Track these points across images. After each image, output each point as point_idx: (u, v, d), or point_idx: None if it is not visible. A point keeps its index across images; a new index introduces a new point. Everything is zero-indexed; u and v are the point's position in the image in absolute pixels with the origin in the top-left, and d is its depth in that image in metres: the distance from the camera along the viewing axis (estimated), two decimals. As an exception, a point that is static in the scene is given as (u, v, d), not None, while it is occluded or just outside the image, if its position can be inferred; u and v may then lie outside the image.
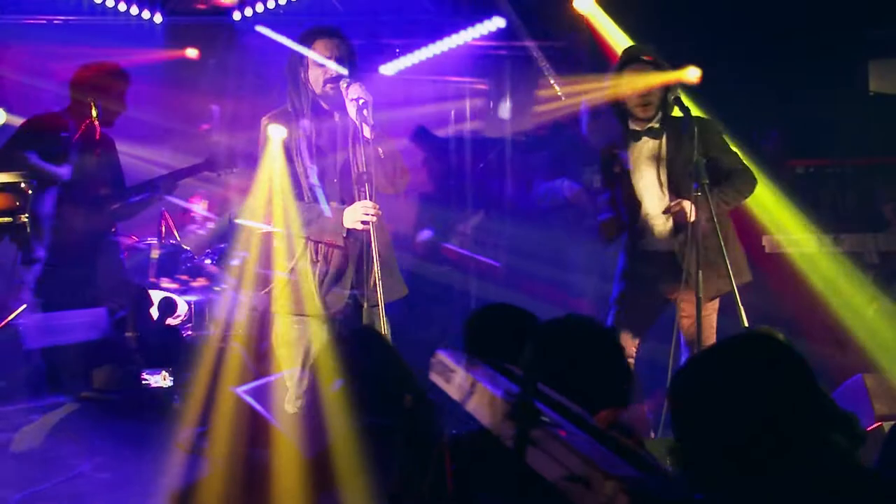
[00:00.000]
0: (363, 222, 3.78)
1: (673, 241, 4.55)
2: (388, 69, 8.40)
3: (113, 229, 5.39)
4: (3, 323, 4.82)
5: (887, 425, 4.10)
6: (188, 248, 6.78)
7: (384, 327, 3.61)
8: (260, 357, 3.59)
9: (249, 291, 4.01)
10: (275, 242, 4.06)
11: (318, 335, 3.98)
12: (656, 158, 4.54)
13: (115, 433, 3.72)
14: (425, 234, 6.78)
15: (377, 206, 3.80)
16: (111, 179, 5.30)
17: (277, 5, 7.91)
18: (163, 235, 6.80)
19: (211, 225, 7.46)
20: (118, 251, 5.51)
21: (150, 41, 7.83)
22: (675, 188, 4.49)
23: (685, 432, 1.89)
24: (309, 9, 7.96)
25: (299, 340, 3.97)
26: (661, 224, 4.58)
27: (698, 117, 4.55)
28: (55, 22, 7.66)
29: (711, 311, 4.54)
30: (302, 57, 3.99)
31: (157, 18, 7.79)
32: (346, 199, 3.96)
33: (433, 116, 7.86)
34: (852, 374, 4.39)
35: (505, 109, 7.69)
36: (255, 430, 2.62)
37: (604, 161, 4.76)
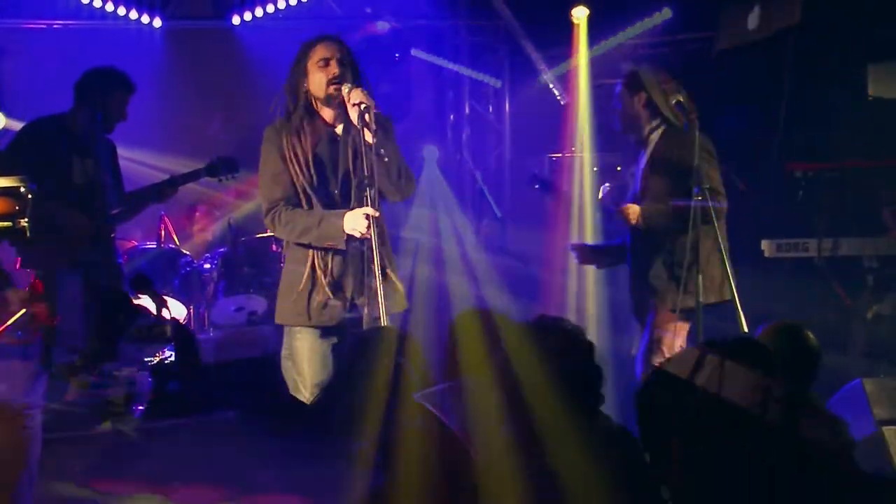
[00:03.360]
0: (363, 228, 3.71)
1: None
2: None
3: (112, 234, 5.39)
4: (3, 327, 4.81)
5: (887, 430, 4.11)
6: (187, 253, 6.79)
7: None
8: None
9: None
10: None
11: (318, 346, 3.88)
12: None
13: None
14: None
15: (378, 213, 3.71)
16: (111, 184, 5.30)
17: (276, 10, 7.92)
18: (162, 239, 6.81)
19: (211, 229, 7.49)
20: (116, 255, 5.51)
21: (149, 45, 7.84)
22: None
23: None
24: (308, 12, 7.97)
25: (314, 351, 3.87)
26: None
27: None
28: (54, 26, 7.66)
29: (670, 327, 4.49)
30: (301, 64, 3.90)
31: (157, 23, 7.79)
32: (347, 208, 3.85)
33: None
34: (852, 379, 4.40)
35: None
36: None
37: None
